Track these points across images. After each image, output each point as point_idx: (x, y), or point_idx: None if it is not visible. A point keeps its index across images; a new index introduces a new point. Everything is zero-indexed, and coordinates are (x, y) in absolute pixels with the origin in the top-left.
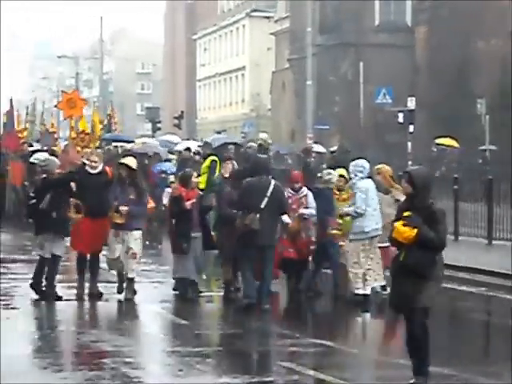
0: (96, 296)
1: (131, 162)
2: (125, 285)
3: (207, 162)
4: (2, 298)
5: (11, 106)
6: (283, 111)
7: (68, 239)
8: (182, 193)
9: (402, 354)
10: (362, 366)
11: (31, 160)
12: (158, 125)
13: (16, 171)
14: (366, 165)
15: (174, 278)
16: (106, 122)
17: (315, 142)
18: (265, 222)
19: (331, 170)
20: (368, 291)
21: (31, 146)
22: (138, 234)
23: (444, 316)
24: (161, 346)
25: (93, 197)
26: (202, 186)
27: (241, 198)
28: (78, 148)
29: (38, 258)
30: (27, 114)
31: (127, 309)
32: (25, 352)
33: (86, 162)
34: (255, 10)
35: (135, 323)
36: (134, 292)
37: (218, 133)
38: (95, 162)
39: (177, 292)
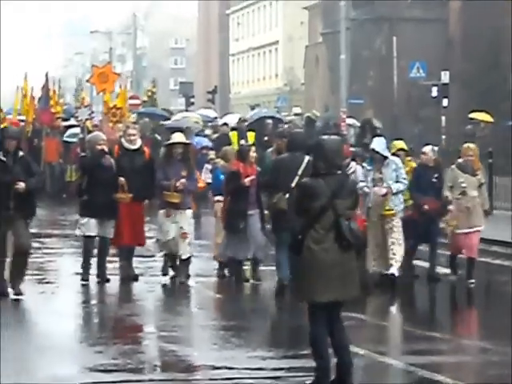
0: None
1: (182, 137)
2: (173, 271)
3: (251, 138)
4: (37, 272)
5: (47, 80)
6: (316, 85)
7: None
8: (240, 168)
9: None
10: (395, 338)
11: (64, 138)
12: (192, 100)
13: (51, 147)
14: (383, 140)
15: (230, 259)
16: (145, 98)
17: (349, 117)
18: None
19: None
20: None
21: (65, 120)
22: (189, 213)
23: (479, 290)
24: (195, 320)
25: (131, 176)
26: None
27: (270, 176)
28: (110, 123)
29: (81, 238)
30: (59, 88)
31: (161, 283)
32: (59, 326)
33: (123, 140)
34: None
35: (170, 297)
36: (188, 275)
37: (252, 108)
38: (133, 135)
39: (226, 274)
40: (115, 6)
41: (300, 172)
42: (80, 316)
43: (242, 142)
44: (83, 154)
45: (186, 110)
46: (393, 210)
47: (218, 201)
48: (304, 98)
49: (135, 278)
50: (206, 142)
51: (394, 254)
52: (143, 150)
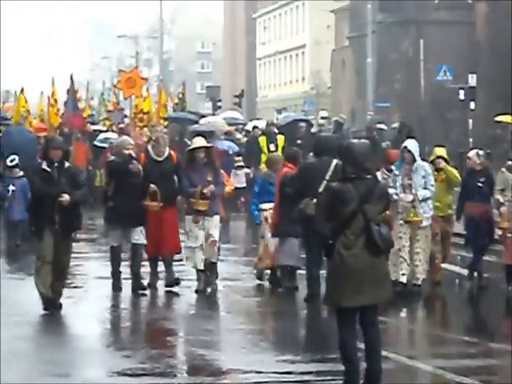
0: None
1: (204, 141)
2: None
3: (281, 142)
4: None
5: (72, 83)
6: (343, 89)
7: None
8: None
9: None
10: (424, 342)
11: (95, 142)
12: (219, 103)
13: (79, 152)
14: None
15: (281, 267)
16: (177, 100)
17: (379, 122)
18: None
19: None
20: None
21: (93, 124)
22: (217, 219)
23: None
24: (223, 324)
25: (159, 184)
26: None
27: (297, 181)
28: (137, 128)
29: (108, 247)
30: (87, 91)
31: (189, 287)
32: (87, 330)
33: (150, 150)
34: None
35: (197, 301)
36: (217, 276)
37: (279, 111)
38: (163, 151)
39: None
40: (142, 9)
41: (328, 177)
42: (108, 320)
43: (272, 146)
44: (111, 158)
45: (213, 114)
46: (419, 217)
47: (264, 209)
48: (331, 101)
49: (176, 283)
50: (235, 146)
51: (417, 265)
52: (171, 158)
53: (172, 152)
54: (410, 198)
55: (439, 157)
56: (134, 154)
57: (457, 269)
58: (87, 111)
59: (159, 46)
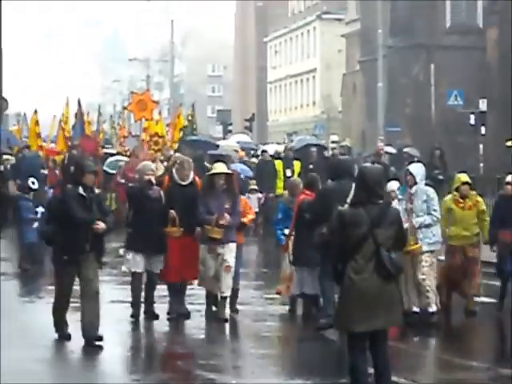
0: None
1: (225, 167)
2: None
3: (297, 168)
4: (75, 300)
5: (79, 107)
6: (354, 113)
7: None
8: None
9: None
10: (434, 368)
11: (105, 168)
12: (229, 127)
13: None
14: (424, 169)
15: (298, 295)
16: (186, 123)
17: (387, 145)
18: None
19: (392, 183)
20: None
21: (103, 147)
22: (233, 246)
23: None
24: (234, 348)
25: (183, 210)
26: (280, 191)
27: (316, 206)
28: (152, 151)
29: (128, 272)
30: (100, 115)
31: (199, 311)
32: (100, 354)
33: (175, 174)
34: (326, 13)
35: (208, 325)
36: (236, 310)
37: (289, 135)
38: (187, 175)
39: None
40: (153, 33)
41: (349, 200)
42: (119, 344)
43: (288, 171)
44: (130, 184)
45: (224, 138)
46: (419, 244)
47: (286, 235)
48: (341, 125)
49: (187, 316)
50: (248, 171)
51: (428, 291)
52: (195, 183)
53: (197, 178)
54: (406, 224)
55: (464, 183)
56: (154, 180)
57: (486, 298)
58: (100, 135)
59: (170, 70)
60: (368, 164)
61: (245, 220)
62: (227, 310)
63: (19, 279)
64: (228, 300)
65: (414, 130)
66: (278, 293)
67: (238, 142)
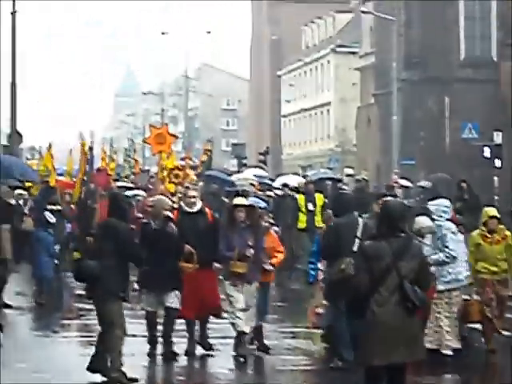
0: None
1: (245, 201)
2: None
3: (319, 201)
4: (87, 334)
5: (91, 141)
6: (369, 146)
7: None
8: None
9: None
10: None
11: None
12: (244, 161)
13: (103, 209)
14: (449, 204)
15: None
16: (205, 158)
17: (402, 177)
18: None
19: (422, 218)
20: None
21: (116, 180)
22: (254, 287)
23: None
24: (248, 381)
25: (195, 241)
26: (302, 225)
27: (332, 242)
28: (171, 184)
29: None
30: (112, 148)
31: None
32: None
33: (182, 203)
34: (340, 46)
35: (228, 361)
36: (267, 348)
37: (303, 168)
38: (193, 197)
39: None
40: (166, 66)
41: (359, 234)
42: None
43: (310, 205)
44: (145, 220)
45: (238, 172)
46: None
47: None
48: (356, 158)
49: (210, 348)
50: (261, 202)
51: (442, 332)
52: (205, 212)
53: (207, 209)
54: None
55: (492, 217)
56: (171, 216)
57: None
58: (111, 168)
59: (184, 103)
60: (390, 198)
61: (273, 261)
62: (250, 347)
63: (34, 313)
64: (248, 336)
65: (428, 163)
66: (314, 327)
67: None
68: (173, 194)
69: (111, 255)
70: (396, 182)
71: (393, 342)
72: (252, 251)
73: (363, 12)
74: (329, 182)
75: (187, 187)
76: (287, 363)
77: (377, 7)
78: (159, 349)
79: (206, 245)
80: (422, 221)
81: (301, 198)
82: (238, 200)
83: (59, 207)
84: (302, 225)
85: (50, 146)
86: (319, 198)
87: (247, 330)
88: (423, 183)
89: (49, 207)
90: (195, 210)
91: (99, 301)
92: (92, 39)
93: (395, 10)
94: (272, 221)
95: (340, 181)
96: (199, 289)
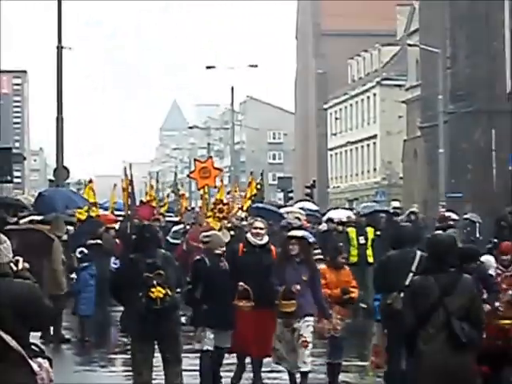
0: None
1: (300, 233)
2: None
3: (371, 233)
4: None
5: (131, 174)
6: (415, 180)
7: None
8: None
9: None
10: None
11: (167, 238)
12: (291, 194)
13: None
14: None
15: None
16: (255, 191)
17: (448, 210)
18: None
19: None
20: None
21: (162, 215)
22: (310, 319)
23: None
24: None
25: (257, 278)
26: (354, 259)
27: (379, 276)
28: (215, 219)
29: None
30: (157, 182)
31: None
32: None
33: (250, 236)
34: (386, 79)
35: None
36: None
37: (350, 201)
38: (260, 228)
39: None
40: (212, 101)
41: (414, 268)
42: None
43: (361, 238)
44: (198, 257)
45: (285, 205)
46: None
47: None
48: (403, 192)
49: None
50: (310, 236)
51: None
52: (270, 248)
53: (272, 246)
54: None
55: None
56: (223, 253)
57: None
58: (156, 201)
59: (231, 137)
60: (438, 232)
61: (353, 295)
62: None
63: (80, 348)
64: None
65: (475, 195)
66: (376, 367)
67: (301, 208)
68: (219, 230)
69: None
70: (447, 216)
71: (441, 381)
72: (298, 287)
73: (409, 45)
74: (382, 215)
75: (255, 219)
76: None
77: (422, 40)
78: None
79: (267, 282)
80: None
81: (352, 231)
82: (293, 232)
83: (99, 241)
84: (353, 259)
85: (90, 180)
86: (370, 232)
87: (307, 368)
88: (469, 215)
89: (88, 242)
90: (263, 242)
91: (172, 336)
92: (135, 71)
93: (441, 42)
94: (320, 256)
95: (394, 214)
96: (256, 329)
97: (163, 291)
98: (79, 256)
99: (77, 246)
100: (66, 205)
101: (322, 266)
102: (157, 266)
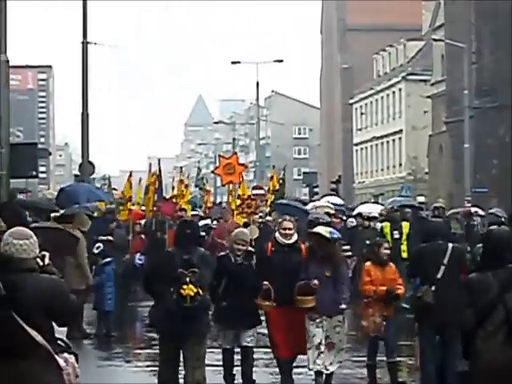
0: None
1: (324, 230)
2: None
3: (406, 228)
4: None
5: (159, 169)
6: (441, 174)
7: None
8: None
9: None
10: None
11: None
12: (316, 189)
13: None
14: None
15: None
16: (277, 186)
17: (474, 206)
18: (444, 294)
19: None
20: None
21: (193, 210)
22: (338, 318)
23: None
24: None
25: (286, 277)
26: (405, 254)
27: (412, 268)
28: (243, 215)
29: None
30: (188, 177)
31: None
32: None
33: (278, 236)
34: (411, 74)
35: None
36: None
37: (376, 197)
38: (289, 228)
39: None
40: (237, 96)
41: (446, 261)
42: None
43: (396, 233)
44: (222, 253)
45: (310, 201)
46: None
47: None
48: (428, 187)
49: None
50: (336, 232)
51: None
52: (299, 246)
53: (302, 245)
54: None
55: None
56: (250, 249)
57: None
58: (181, 197)
59: (256, 133)
60: (495, 227)
61: (399, 291)
62: None
63: (104, 344)
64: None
65: (501, 191)
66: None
67: (328, 202)
68: (245, 225)
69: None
70: (473, 211)
71: (500, 381)
72: (316, 281)
73: (434, 40)
74: (409, 210)
75: (284, 218)
76: None
77: (448, 35)
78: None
79: (296, 281)
80: None
81: (386, 225)
82: (316, 229)
83: (110, 237)
84: None
85: (130, 174)
86: (406, 226)
87: (332, 368)
88: (495, 210)
89: (99, 238)
90: (291, 241)
91: (198, 336)
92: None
93: (466, 37)
94: (350, 253)
95: (422, 208)
96: (284, 329)
97: (195, 290)
98: (97, 251)
99: (94, 241)
100: (87, 198)
101: (367, 263)
102: (192, 264)
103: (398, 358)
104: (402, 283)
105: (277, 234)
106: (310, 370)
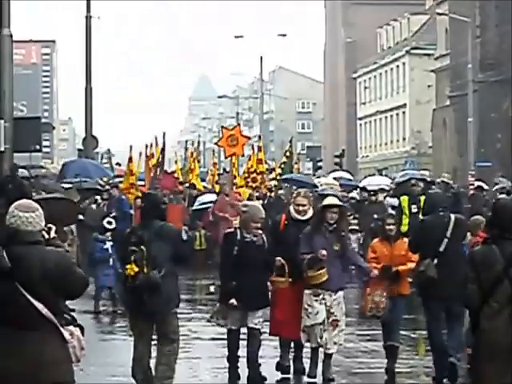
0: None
1: (337, 200)
2: (321, 363)
3: (404, 201)
4: None
5: (164, 143)
6: (444, 149)
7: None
8: None
9: None
10: None
11: (194, 206)
12: (319, 164)
13: (173, 213)
14: None
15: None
16: (284, 159)
17: (478, 180)
18: (446, 268)
19: None
20: None
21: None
22: (340, 295)
23: None
24: None
25: (297, 254)
26: (405, 228)
27: (414, 241)
28: (249, 189)
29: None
30: (186, 150)
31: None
32: None
33: (292, 210)
34: (415, 48)
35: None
36: (330, 368)
37: (379, 171)
38: (303, 205)
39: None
40: (241, 69)
41: (449, 234)
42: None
43: (414, 207)
44: (230, 229)
45: (314, 175)
46: None
47: None
48: (432, 161)
49: (302, 372)
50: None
51: None
52: None
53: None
54: None
55: None
56: (260, 226)
57: None
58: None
59: (260, 107)
60: (503, 196)
61: (400, 268)
62: (333, 369)
63: (109, 318)
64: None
65: (505, 165)
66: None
67: (337, 178)
68: (249, 199)
69: (169, 262)
70: (472, 184)
71: (505, 363)
72: (324, 252)
73: (438, 14)
74: (420, 183)
75: (298, 193)
76: (363, 366)
77: (452, 9)
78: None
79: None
80: None
81: (404, 199)
82: (329, 200)
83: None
84: (404, 228)
85: (130, 149)
86: (423, 200)
87: (333, 349)
88: (500, 181)
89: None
90: (305, 217)
91: (163, 313)
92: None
93: (470, 11)
94: (356, 227)
95: (433, 183)
96: (291, 307)
97: (136, 269)
98: (110, 227)
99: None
100: (75, 174)
101: (374, 240)
102: (142, 240)
103: (402, 332)
104: (414, 260)
105: (291, 209)
106: (311, 348)
